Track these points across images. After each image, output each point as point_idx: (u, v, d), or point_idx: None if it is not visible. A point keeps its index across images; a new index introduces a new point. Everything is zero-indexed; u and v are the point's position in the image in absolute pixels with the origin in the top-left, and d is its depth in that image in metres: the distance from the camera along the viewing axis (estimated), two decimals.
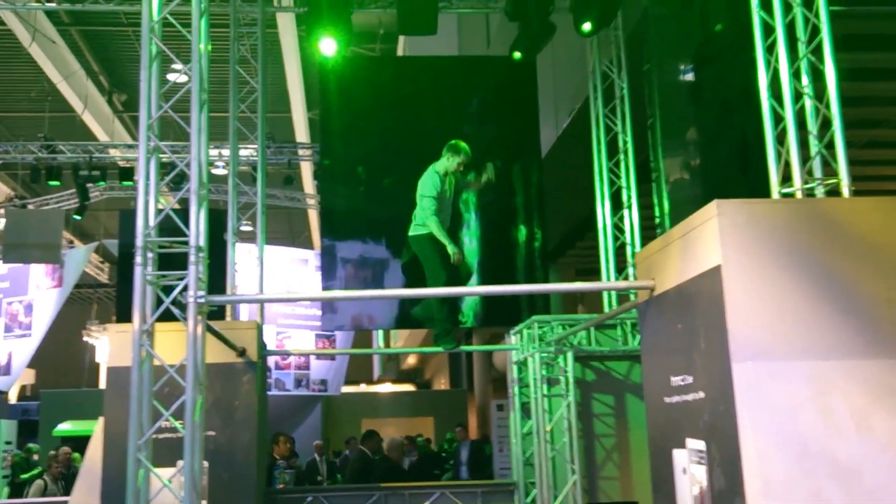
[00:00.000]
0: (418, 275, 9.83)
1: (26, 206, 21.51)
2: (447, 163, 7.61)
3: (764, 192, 5.46)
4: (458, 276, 7.47)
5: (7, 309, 20.78)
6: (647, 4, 9.03)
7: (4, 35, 16.20)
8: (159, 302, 5.24)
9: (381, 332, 28.99)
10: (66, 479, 11.50)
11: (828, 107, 5.22)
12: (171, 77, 6.84)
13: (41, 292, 20.78)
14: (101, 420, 7.18)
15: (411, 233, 7.65)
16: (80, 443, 12.65)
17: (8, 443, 17.23)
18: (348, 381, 22.78)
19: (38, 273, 20.79)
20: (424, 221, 7.42)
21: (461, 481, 10.01)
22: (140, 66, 5.43)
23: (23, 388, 25.86)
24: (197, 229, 5.21)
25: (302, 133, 20.12)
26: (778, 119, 5.34)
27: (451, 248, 7.27)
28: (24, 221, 19.00)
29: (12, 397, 22.72)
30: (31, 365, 20.66)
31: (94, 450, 7.17)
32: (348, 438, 15.55)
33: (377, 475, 10.05)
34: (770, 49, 5.42)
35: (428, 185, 7.47)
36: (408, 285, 9.74)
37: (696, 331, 4.75)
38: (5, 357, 20.59)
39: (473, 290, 9.83)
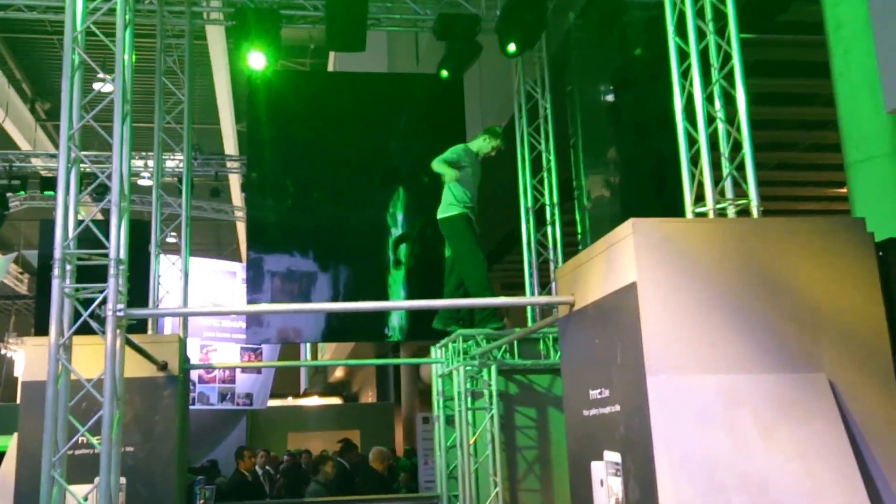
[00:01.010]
0: (350, 287, 9.93)
1: None
2: (482, 143, 8.13)
3: (679, 210, 5.63)
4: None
5: None
6: (569, 28, 9.22)
7: None
8: (78, 315, 5.18)
9: (307, 345, 28.81)
10: None
11: (738, 130, 5.42)
12: (96, 86, 6.78)
13: None
14: (14, 436, 7.02)
15: (441, 215, 7.89)
16: None
17: None
18: (274, 395, 22.60)
19: None
20: (452, 197, 7.90)
21: (384, 495, 10.00)
22: (63, 76, 5.39)
23: None
24: (118, 241, 5.16)
25: (230, 145, 19.99)
26: (692, 141, 5.52)
27: (449, 173, 7.85)
28: None
29: None
30: None
31: (7, 467, 7.00)
32: (294, 451, 15.35)
33: (361, 486, 10.17)
34: (685, 74, 5.60)
35: (452, 149, 8.05)
36: (337, 298, 9.78)
37: (613, 345, 4.85)
38: None
39: (397, 304, 9.92)
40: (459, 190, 8.07)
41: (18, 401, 7.90)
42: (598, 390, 5.06)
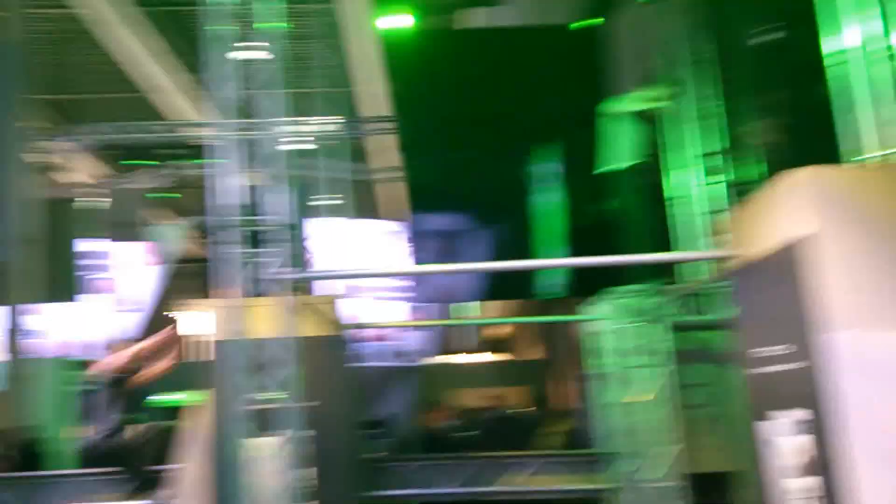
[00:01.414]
0: (507, 245, 9.91)
1: (118, 185, 22.16)
2: (643, 99, 7.91)
3: (857, 155, 5.30)
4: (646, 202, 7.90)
5: (105, 285, 21.55)
6: None
7: (90, 19, 16.60)
8: (252, 278, 5.35)
9: (470, 303, 29.09)
10: None
11: None
12: (250, 55, 6.95)
13: (140, 268, 21.51)
14: (207, 391, 7.40)
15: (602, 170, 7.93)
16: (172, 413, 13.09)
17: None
18: (442, 352, 22.95)
19: (136, 250, 21.51)
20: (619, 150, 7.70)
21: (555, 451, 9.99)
22: (220, 50, 5.53)
23: None
24: (285, 208, 5.30)
25: (381, 107, 20.20)
26: (870, 83, 5.16)
27: (615, 157, 7.71)
28: (117, 201, 19.66)
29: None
30: (136, 338, 21.35)
31: (202, 420, 7.39)
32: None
33: None
34: None
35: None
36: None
37: (790, 299, 4.64)
38: (108, 331, 21.36)
39: (557, 262, 9.82)
40: (621, 144, 7.98)
41: (190, 360, 8.28)
42: (777, 346, 4.87)
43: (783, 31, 8.05)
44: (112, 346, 7.93)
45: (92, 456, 8.43)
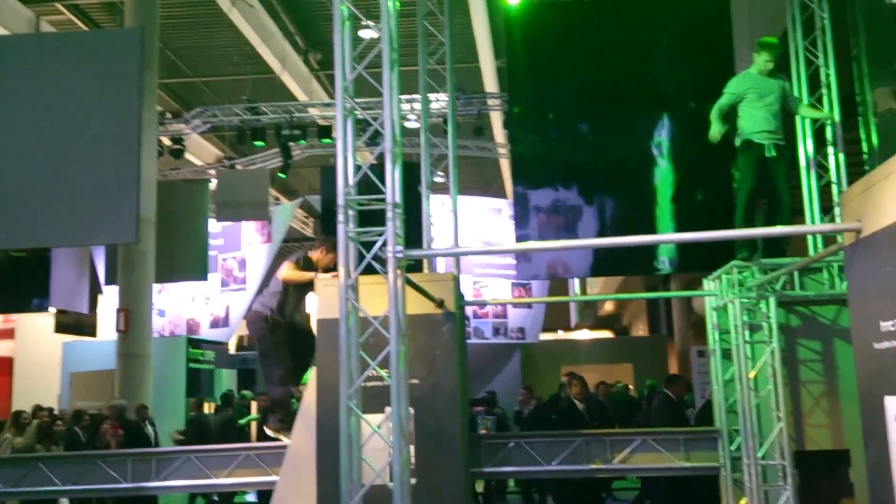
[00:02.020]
0: (617, 220, 9.83)
1: (234, 166, 22.82)
2: (757, 61, 8.02)
3: None
4: (766, 183, 7.84)
5: (222, 265, 22.22)
6: None
7: (206, 3, 17.10)
8: (361, 257, 5.48)
9: (576, 279, 28.97)
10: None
11: None
12: (361, 34, 7.06)
13: (252, 248, 22.09)
14: (313, 369, 7.60)
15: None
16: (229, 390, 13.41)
17: (229, 390, 18.46)
18: (546, 329, 22.99)
19: (249, 230, 22.10)
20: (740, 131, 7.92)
21: (651, 429, 9.92)
22: (333, 29, 5.64)
23: (240, 339, 27.56)
24: (393, 186, 5.39)
25: (490, 83, 20.21)
26: None
27: (714, 128, 7.97)
28: (234, 181, 20.22)
29: (231, 348, 24.22)
30: (246, 317, 21.95)
31: (309, 396, 7.61)
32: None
33: None
34: None
35: (725, 88, 8.11)
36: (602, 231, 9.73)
37: None
38: (223, 310, 22.07)
39: (666, 237, 9.70)
40: (742, 120, 7.87)
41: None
42: (892, 322, 4.75)
43: None
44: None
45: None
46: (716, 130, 7.97)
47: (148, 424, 12.99)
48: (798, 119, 9.04)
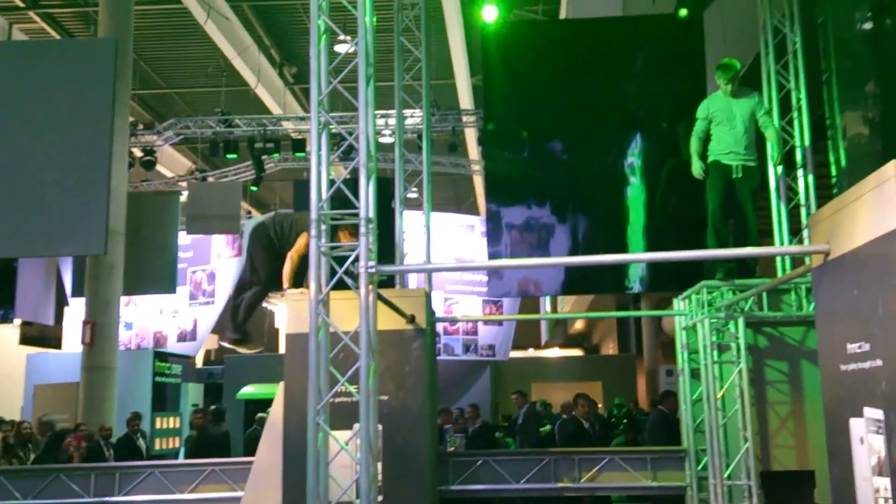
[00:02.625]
0: (589, 238, 9.88)
1: (206, 179, 22.67)
2: (718, 81, 8.08)
3: None
4: (731, 202, 7.82)
5: (191, 278, 22.02)
6: None
7: (181, 14, 17.05)
8: (333, 271, 5.45)
9: (547, 297, 29.02)
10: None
11: None
12: (338, 48, 7.03)
13: (222, 261, 21.92)
14: (281, 384, 7.54)
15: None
16: (262, 405, 13.28)
17: (195, 405, 18.25)
18: (516, 346, 22.96)
19: (220, 243, 21.93)
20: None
21: (618, 448, 9.95)
22: (309, 43, 5.63)
23: (207, 352, 27.32)
24: (366, 201, 5.37)
25: (466, 99, 20.30)
26: None
27: (695, 167, 7.95)
28: (205, 194, 20.06)
29: (198, 362, 24.02)
30: (214, 330, 21.78)
31: (276, 413, 7.55)
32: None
33: None
34: None
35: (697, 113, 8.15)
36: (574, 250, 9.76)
37: (874, 296, 4.57)
38: (191, 323, 21.87)
39: (637, 256, 9.74)
40: (711, 142, 7.95)
41: (282, 350, 8.45)
42: (858, 344, 4.80)
43: (875, 19, 7.87)
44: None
45: None
46: (697, 167, 8.01)
47: (140, 437, 12.77)
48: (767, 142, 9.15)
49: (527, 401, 13.36)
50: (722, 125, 7.87)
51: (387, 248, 8.48)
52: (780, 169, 8.83)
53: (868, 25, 7.97)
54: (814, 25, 8.92)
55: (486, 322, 19.79)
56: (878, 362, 4.52)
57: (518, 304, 19.72)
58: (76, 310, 18.92)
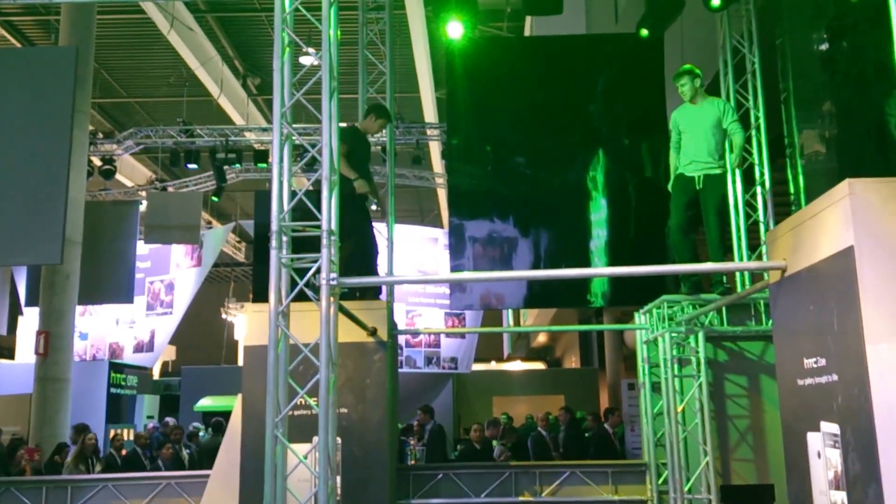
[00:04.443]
0: (551, 252, 9.93)
1: (166, 188, 22.48)
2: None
3: None
4: (694, 219, 7.73)
5: (149, 288, 21.80)
6: None
7: (144, 23, 16.92)
8: (294, 283, 5.42)
9: (510, 310, 29.06)
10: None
11: None
12: (302, 60, 7.01)
13: (181, 272, 21.72)
14: (239, 397, 7.48)
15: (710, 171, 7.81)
16: (219, 417, 13.18)
17: (150, 417, 18.02)
18: (478, 359, 22.95)
19: (179, 253, 21.73)
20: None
21: (580, 461, 9.96)
22: (273, 56, 5.62)
23: (165, 364, 27.06)
24: (329, 213, 5.36)
25: (430, 113, 20.31)
26: None
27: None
28: (165, 204, 19.87)
29: (155, 373, 23.77)
30: (172, 342, 21.58)
31: (234, 426, 7.48)
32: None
33: None
34: None
35: None
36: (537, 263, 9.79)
37: (829, 312, 4.63)
38: (148, 334, 21.64)
39: (599, 271, 9.80)
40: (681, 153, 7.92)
41: (240, 362, 8.39)
42: (814, 359, 4.86)
43: (832, 41, 8.00)
44: None
45: None
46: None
47: (182, 447, 12.52)
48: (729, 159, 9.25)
49: (431, 417, 13.19)
50: (686, 135, 7.73)
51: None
52: (737, 172, 8.86)
53: (825, 47, 8.10)
54: (772, 46, 9.06)
55: (448, 335, 19.76)
56: (834, 377, 4.57)
57: (481, 316, 19.70)
58: (30, 319, 18.65)
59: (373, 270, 8.05)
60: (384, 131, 9.17)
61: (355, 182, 7.62)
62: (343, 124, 8.16)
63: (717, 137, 7.64)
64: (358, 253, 7.78)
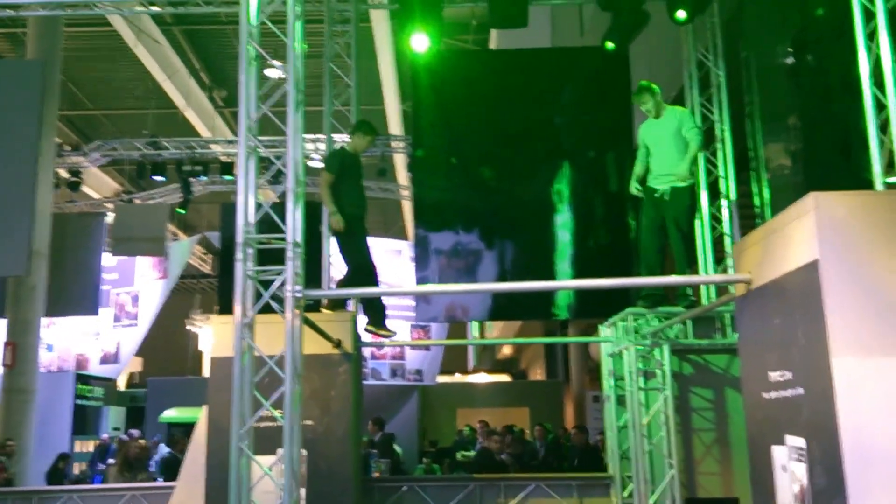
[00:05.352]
0: (516, 265, 9.93)
1: (133, 200, 22.27)
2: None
3: (867, 179, 5.32)
4: (665, 232, 7.57)
5: (115, 300, 21.57)
6: None
7: (111, 36, 16.80)
8: (259, 295, 5.38)
9: (475, 322, 29.04)
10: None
11: None
12: (268, 73, 6.96)
13: (147, 283, 21.52)
14: (204, 408, 7.40)
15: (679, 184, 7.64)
16: (186, 429, 13.03)
17: (115, 428, 17.80)
18: (443, 371, 22.91)
19: (145, 265, 21.53)
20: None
21: (546, 474, 9.96)
22: (239, 69, 5.59)
23: (130, 375, 26.75)
24: (294, 226, 5.33)
25: (395, 125, 20.31)
26: (880, 106, 5.20)
27: (631, 185, 7.76)
28: (131, 216, 19.69)
29: (121, 385, 23.52)
30: (138, 353, 21.34)
31: (199, 437, 7.40)
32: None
33: None
34: (871, 35, 5.27)
35: None
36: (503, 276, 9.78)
37: (794, 325, 4.66)
38: (114, 346, 21.39)
39: (564, 284, 9.81)
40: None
41: (206, 373, 8.29)
42: (779, 372, 4.88)
43: (796, 55, 8.09)
44: None
45: None
46: (632, 186, 7.76)
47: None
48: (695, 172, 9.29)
49: (380, 429, 13.10)
50: (652, 149, 7.68)
51: (315, 271, 8.40)
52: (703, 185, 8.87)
53: (789, 60, 8.19)
54: (737, 60, 9.14)
55: (413, 347, 19.71)
56: (800, 390, 4.59)
57: (446, 328, 19.68)
58: None
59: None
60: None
61: (332, 217, 7.53)
62: (336, 143, 8.19)
63: (679, 149, 7.54)
64: (361, 272, 7.75)
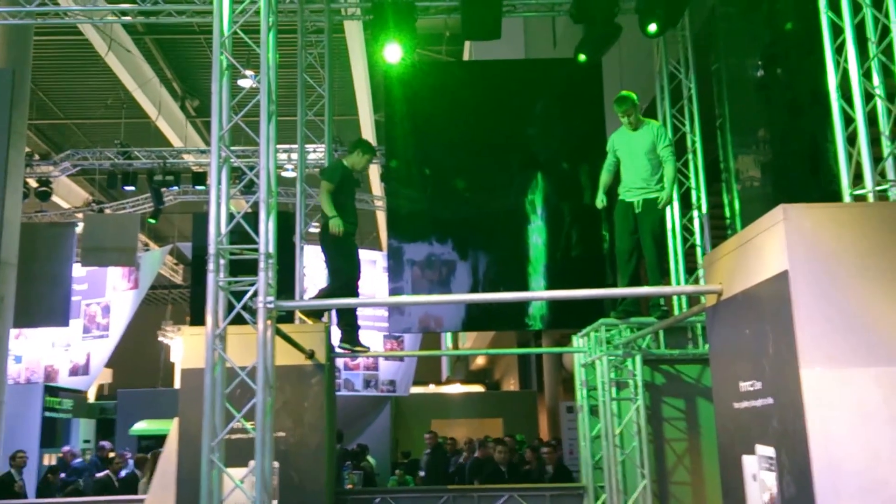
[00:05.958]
0: (490, 275, 9.96)
1: (103, 210, 22.08)
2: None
3: (836, 192, 5.38)
4: (635, 241, 7.59)
5: (85, 310, 21.37)
6: (714, 4, 8.93)
7: (82, 45, 16.67)
8: (231, 306, 5.35)
9: (448, 333, 29.03)
10: None
11: None
12: (241, 83, 6.95)
13: (118, 294, 21.34)
14: (175, 420, 7.34)
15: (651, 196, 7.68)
16: (157, 441, 12.93)
17: (86, 441, 17.62)
18: (417, 382, 22.86)
19: (115, 275, 21.35)
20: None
21: (518, 485, 9.95)
22: (212, 79, 5.57)
23: (100, 387, 26.50)
24: (266, 237, 5.31)
25: (369, 135, 20.28)
26: (848, 120, 5.26)
27: (598, 198, 7.80)
28: (102, 226, 19.51)
29: (91, 396, 23.28)
30: (108, 364, 21.11)
31: (170, 449, 7.34)
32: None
33: None
34: (839, 49, 5.33)
35: None
36: (476, 286, 9.80)
37: (764, 336, 4.69)
38: (84, 357, 21.18)
39: (538, 294, 9.84)
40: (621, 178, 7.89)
41: (177, 385, 8.23)
42: (750, 382, 4.91)
43: (766, 68, 8.17)
44: None
45: None
46: (598, 199, 7.78)
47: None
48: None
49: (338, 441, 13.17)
50: (624, 160, 7.70)
51: (288, 281, 8.37)
52: (673, 204, 8.90)
53: (759, 73, 8.26)
54: (708, 72, 9.22)
55: (386, 357, 19.67)
56: (770, 400, 4.62)
57: (419, 339, 19.65)
58: None
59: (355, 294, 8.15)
60: (323, 153, 9.14)
61: (331, 220, 7.59)
62: (335, 154, 8.18)
63: (653, 162, 7.58)
64: (345, 290, 7.78)
